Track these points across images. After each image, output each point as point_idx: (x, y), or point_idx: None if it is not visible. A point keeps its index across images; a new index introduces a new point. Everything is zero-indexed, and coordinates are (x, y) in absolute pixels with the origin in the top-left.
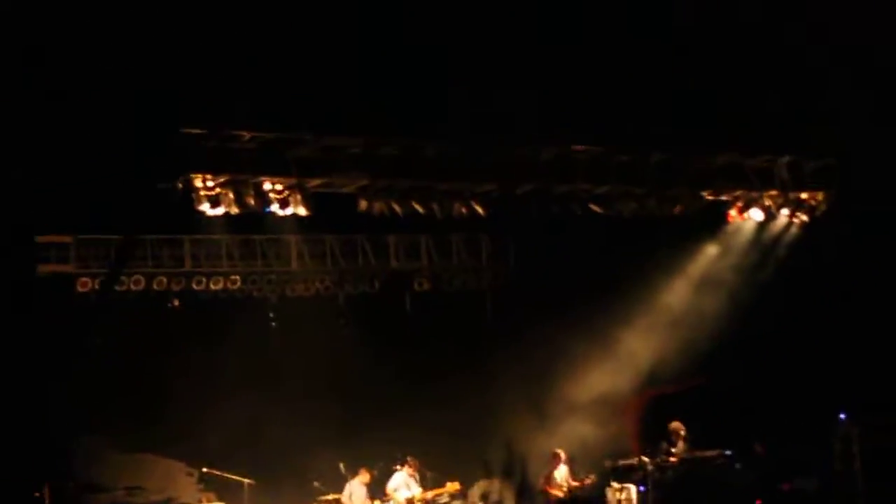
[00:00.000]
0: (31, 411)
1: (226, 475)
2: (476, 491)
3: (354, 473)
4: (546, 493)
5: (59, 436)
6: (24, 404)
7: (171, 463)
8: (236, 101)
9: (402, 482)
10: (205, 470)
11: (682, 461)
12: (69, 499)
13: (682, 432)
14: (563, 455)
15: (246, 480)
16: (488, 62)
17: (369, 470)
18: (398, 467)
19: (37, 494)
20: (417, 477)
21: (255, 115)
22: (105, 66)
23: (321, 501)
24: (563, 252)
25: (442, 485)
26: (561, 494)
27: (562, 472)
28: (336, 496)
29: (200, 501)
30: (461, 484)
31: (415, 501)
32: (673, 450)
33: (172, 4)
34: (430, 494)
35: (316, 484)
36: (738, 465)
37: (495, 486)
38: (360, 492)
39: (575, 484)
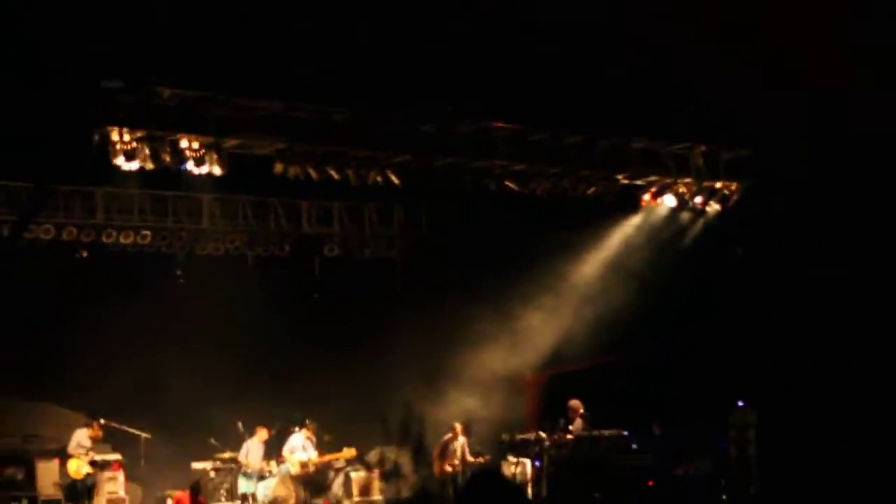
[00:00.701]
0: None
1: (123, 427)
2: (373, 456)
3: (252, 432)
4: (438, 465)
5: None
6: None
7: (69, 413)
8: (158, 58)
9: (299, 445)
10: (102, 421)
11: (578, 439)
12: None
13: (581, 410)
14: (459, 428)
15: (143, 434)
16: (410, 30)
17: (267, 429)
18: (296, 430)
19: None
20: (314, 440)
21: (176, 72)
22: (29, 13)
23: (217, 459)
24: (475, 227)
25: (339, 449)
26: (450, 469)
27: (458, 446)
28: (233, 454)
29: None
30: (358, 448)
31: (309, 465)
32: (570, 427)
33: None
34: (325, 458)
35: (212, 441)
36: (634, 446)
37: (392, 451)
38: (256, 451)
39: (471, 459)
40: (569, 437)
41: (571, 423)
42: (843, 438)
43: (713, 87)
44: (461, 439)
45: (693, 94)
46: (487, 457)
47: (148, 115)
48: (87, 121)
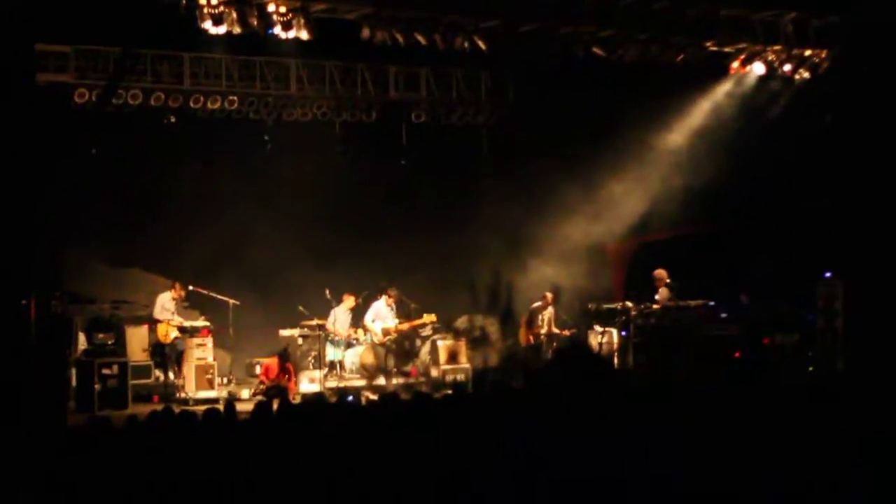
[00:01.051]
0: (20, 219)
1: (211, 294)
2: (461, 323)
3: (339, 300)
4: (524, 333)
5: (47, 246)
6: (14, 211)
7: (158, 279)
8: None
9: (381, 312)
10: (191, 288)
11: (664, 308)
12: (54, 309)
13: (665, 279)
14: (549, 298)
15: (231, 301)
16: None
17: (355, 296)
18: (379, 297)
19: (23, 302)
20: (394, 308)
21: None
22: None
23: (305, 326)
24: (563, 94)
25: (419, 316)
26: (536, 338)
27: (546, 316)
28: (320, 321)
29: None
30: (445, 315)
31: (392, 332)
32: (656, 297)
33: None
34: (405, 326)
35: (300, 308)
36: (722, 316)
37: (479, 319)
38: (344, 318)
39: (556, 331)
40: (655, 306)
41: (656, 292)
42: None
43: None
44: (550, 309)
45: None
46: (574, 329)
47: None
48: None
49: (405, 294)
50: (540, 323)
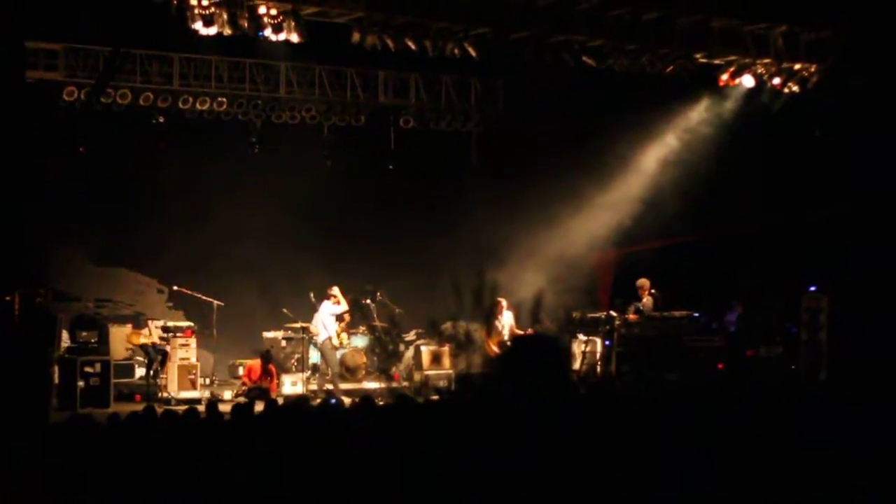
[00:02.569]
0: (6, 215)
1: (196, 294)
2: (445, 328)
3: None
4: (488, 344)
5: (33, 243)
6: (1, 207)
7: (143, 278)
8: None
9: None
10: (175, 288)
11: (648, 318)
12: (38, 306)
13: (649, 288)
14: (504, 303)
15: (216, 302)
16: None
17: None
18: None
19: (7, 298)
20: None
21: None
22: None
23: (289, 328)
24: (552, 102)
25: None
26: (495, 347)
27: (505, 321)
28: (304, 324)
29: None
30: (430, 318)
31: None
32: (639, 305)
33: None
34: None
35: (284, 311)
36: (710, 326)
37: (463, 323)
38: None
39: (518, 332)
40: (638, 316)
41: (639, 301)
42: None
43: None
44: (506, 314)
45: None
46: (540, 325)
47: None
48: None
49: (390, 298)
50: (500, 329)
